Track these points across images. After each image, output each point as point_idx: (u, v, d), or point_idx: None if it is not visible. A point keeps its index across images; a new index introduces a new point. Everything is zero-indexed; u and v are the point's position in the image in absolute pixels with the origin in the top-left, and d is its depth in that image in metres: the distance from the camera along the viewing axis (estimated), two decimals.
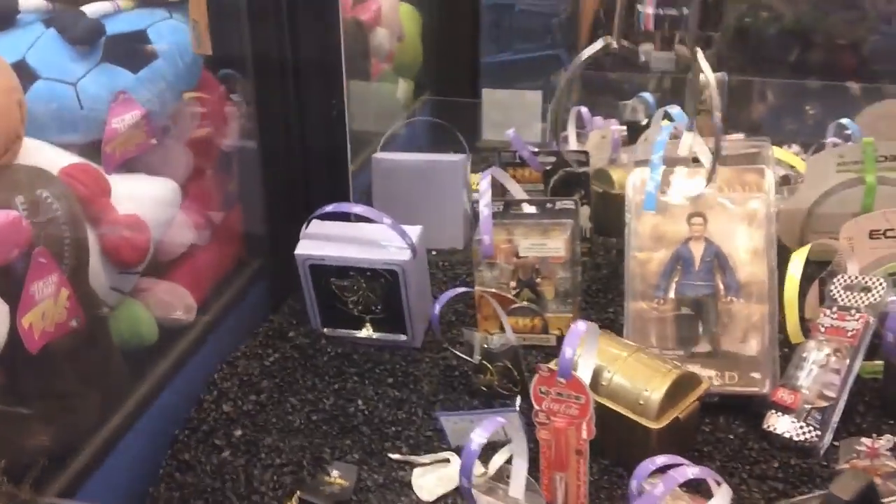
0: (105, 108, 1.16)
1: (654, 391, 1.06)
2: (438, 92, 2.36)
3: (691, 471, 0.90)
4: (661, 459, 0.93)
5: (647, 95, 2.01)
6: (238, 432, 1.17)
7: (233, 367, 1.29)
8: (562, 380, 0.97)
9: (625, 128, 1.88)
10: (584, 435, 0.98)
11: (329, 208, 1.29)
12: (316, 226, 1.33)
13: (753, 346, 1.18)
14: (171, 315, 1.27)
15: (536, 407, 0.99)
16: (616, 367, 1.10)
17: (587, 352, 1.04)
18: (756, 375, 1.16)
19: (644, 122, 1.93)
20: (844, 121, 1.82)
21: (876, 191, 1.43)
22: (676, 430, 1.06)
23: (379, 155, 1.63)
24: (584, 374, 1.02)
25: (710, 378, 1.16)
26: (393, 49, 2.14)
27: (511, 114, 2.20)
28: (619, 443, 1.08)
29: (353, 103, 1.56)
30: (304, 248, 1.30)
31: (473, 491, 0.93)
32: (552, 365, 0.99)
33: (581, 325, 0.98)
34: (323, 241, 1.31)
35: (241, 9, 1.37)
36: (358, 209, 1.29)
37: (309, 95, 1.44)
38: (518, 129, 1.85)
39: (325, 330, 1.36)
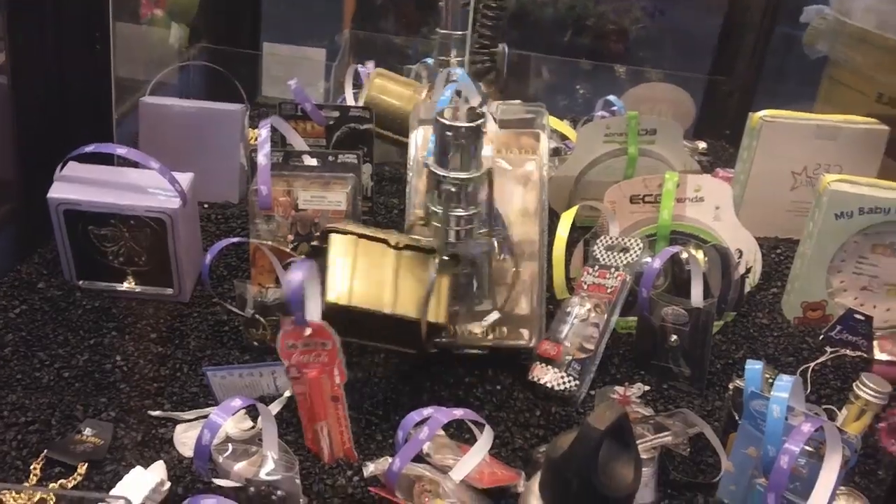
0: None
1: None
2: (216, 41, 2.25)
3: (455, 412, 0.92)
4: (427, 410, 0.94)
5: (431, 61, 2.03)
6: None
7: None
8: (307, 330, 0.94)
9: None
10: (337, 380, 0.97)
11: (89, 149, 1.19)
12: (74, 168, 1.22)
13: (523, 303, 1.22)
14: None
15: (287, 362, 0.97)
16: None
17: (311, 293, 0.98)
18: (524, 331, 1.20)
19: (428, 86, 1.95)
20: (611, 97, 1.94)
21: (637, 161, 1.53)
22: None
23: (147, 99, 1.52)
24: (314, 314, 0.97)
25: (483, 332, 1.20)
26: None
27: (293, 70, 2.14)
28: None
29: (119, 46, 1.45)
30: (58, 192, 1.19)
31: (222, 459, 0.91)
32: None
33: (296, 275, 0.92)
34: (81, 185, 1.20)
35: None
36: (122, 150, 1.19)
37: (70, 29, 1.33)
38: (296, 80, 1.80)
39: (81, 282, 1.26)
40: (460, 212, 1.08)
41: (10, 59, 1.31)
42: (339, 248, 1.06)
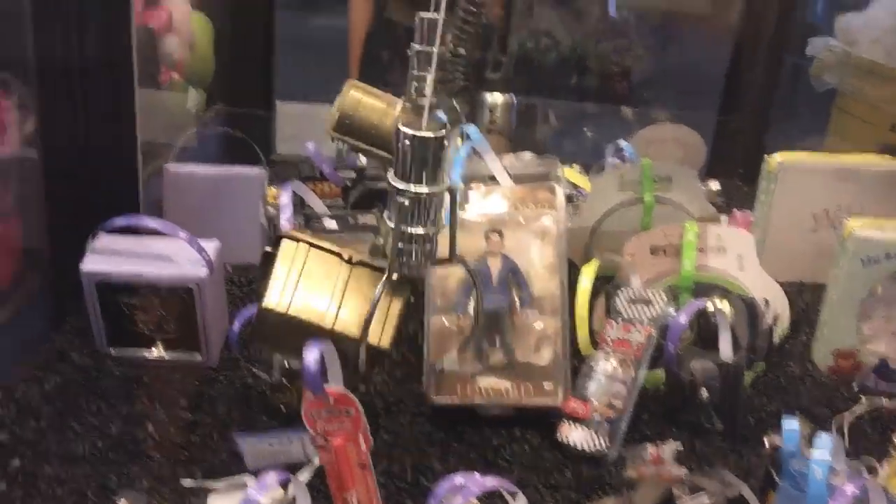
0: None
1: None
2: (231, 103, 2.29)
3: (488, 482, 0.91)
4: (459, 479, 0.93)
5: (440, 114, 2.04)
6: (15, 462, 1.07)
7: (8, 393, 1.19)
8: (329, 399, 0.94)
9: None
10: (363, 447, 0.97)
11: (120, 221, 1.21)
12: (104, 240, 1.25)
13: (546, 357, 1.22)
14: None
15: (312, 431, 0.96)
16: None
17: (331, 364, 0.98)
18: (549, 387, 1.20)
19: None
20: (621, 142, 1.94)
21: (653, 209, 1.54)
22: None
23: (171, 166, 1.55)
24: (336, 384, 0.97)
25: (507, 390, 1.20)
26: (183, 57, 2.05)
27: (306, 127, 2.17)
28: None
29: (140, 112, 1.48)
30: (92, 264, 1.21)
31: None
32: None
33: (313, 354, 0.92)
34: (112, 256, 1.22)
35: (24, 10, 1.28)
36: (151, 222, 1.21)
37: (97, 102, 1.36)
38: (314, 143, 1.82)
39: (112, 350, 1.27)
40: (419, 230, 1.00)
41: (42, 131, 1.35)
42: (289, 254, 1.04)
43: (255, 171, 1.58)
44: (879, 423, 1.23)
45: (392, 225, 1.00)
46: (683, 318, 1.18)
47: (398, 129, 0.98)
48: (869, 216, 1.51)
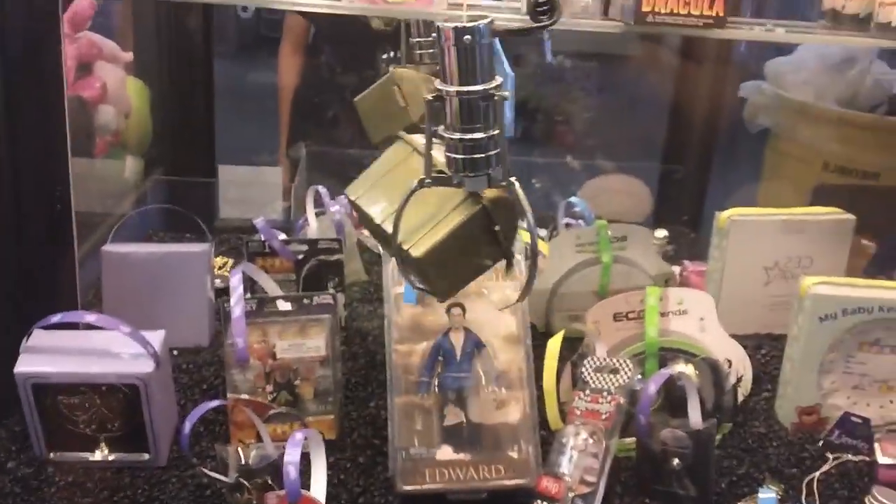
0: None
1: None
2: (172, 168, 2.23)
3: None
4: None
5: None
6: None
7: None
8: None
9: None
10: None
11: (55, 319, 1.14)
12: (39, 337, 1.17)
13: (516, 434, 1.18)
14: None
15: None
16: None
17: (316, 462, 0.97)
18: (520, 464, 1.16)
19: None
20: (573, 199, 1.92)
21: (611, 269, 1.52)
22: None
23: (109, 247, 1.47)
24: (318, 490, 0.96)
25: (477, 472, 1.15)
26: (120, 126, 1.99)
27: (250, 191, 2.12)
28: None
29: (75, 185, 1.41)
30: (26, 365, 1.14)
31: None
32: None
33: (298, 436, 0.94)
34: (48, 355, 1.15)
35: None
36: (90, 318, 1.14)
37: (28, 187, 1.28)
38: (259, 207, 1.76)
39: (52, 455, 1.19)
40: (477, 135, 0.89)
41: None
42: (392, 153, 1.07)
43: (200, 248, 1.51)
44: (848, 480, 1.22)
45: (455, 136, 0.90)
46: (653, 388, 1.16)
47: (438, 27, 0.87)
48: (818, 266, 1.53)
